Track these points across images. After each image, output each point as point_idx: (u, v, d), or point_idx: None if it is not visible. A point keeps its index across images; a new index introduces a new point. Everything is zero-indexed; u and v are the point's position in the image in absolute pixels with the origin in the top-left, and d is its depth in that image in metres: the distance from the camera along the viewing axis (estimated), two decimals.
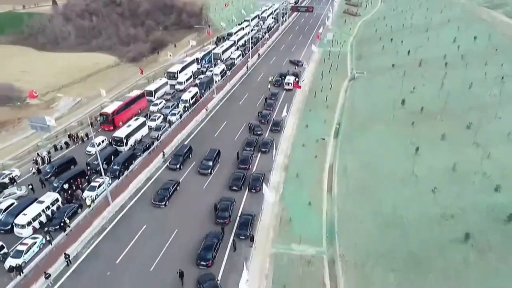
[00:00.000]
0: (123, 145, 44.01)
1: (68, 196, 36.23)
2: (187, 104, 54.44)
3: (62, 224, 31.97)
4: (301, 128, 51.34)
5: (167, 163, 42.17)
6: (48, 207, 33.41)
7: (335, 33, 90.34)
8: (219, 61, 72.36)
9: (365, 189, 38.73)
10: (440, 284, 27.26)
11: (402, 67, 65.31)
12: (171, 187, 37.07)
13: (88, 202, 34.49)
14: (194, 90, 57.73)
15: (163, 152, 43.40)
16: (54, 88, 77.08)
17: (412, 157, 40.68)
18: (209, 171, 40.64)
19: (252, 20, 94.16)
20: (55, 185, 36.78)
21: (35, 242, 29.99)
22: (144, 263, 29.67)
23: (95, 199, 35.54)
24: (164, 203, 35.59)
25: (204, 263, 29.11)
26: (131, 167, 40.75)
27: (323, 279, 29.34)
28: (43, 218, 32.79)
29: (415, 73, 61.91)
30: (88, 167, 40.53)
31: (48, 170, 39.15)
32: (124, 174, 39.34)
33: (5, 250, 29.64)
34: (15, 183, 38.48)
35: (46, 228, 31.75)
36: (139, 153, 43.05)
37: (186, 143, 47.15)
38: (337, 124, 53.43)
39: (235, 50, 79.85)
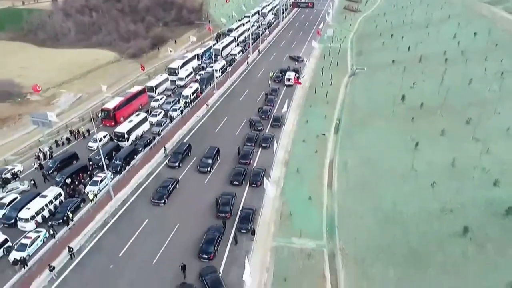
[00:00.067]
0: (125, 141, 44.28)
1: (71, 190, 36.57)
2: (188, 100, 54.64)
3: (65, 218, 32.33)
4: (301, 124, 51.59)
5: (166, 161, 42.12)
6: (51, 202, 33.75)
7: (335, 29, 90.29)
8: (219, 57, 72.41)
9: (365, 184, 39.05)
10: (439, 278, 27.62)
11: (402, 63, 65.46)
12: (170, 185, 36.92)
13: (90, 196, 34.83)
14: (195, 86, 57.91)
15: (164, 147, 43.67)
16: (54, 84, 77.00)
17: (412, 152, 40.95)
18: (209, 169, 40.54)
19: (252, 16, 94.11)
20: (57, 179, 37.10)
21: (39, 236, 30.35)
22: (147, 257, 30.04)
23: (98, 193, 35.86)
24: (163, 201, 35.51)
25: (206, 256, 29.48)
26: (132, 162, 41.04)
27: (323, 272, 29.72)
28: (45, 213, 33.10)
29: (415, 69, 62.07)
30: (90, 162, 40.81)
31: (51, 165, 39.44)
32: (126, 169, 39.63)
33: (9, 243, 29.97)
34: (17, 178, 38.77)
35: (50, 222, 32.08)
36: (140, 149, 43.32)
37: (187, 138, 47.47)
38: (337, 119, 53.66)
39: (235, 46, 79.89)
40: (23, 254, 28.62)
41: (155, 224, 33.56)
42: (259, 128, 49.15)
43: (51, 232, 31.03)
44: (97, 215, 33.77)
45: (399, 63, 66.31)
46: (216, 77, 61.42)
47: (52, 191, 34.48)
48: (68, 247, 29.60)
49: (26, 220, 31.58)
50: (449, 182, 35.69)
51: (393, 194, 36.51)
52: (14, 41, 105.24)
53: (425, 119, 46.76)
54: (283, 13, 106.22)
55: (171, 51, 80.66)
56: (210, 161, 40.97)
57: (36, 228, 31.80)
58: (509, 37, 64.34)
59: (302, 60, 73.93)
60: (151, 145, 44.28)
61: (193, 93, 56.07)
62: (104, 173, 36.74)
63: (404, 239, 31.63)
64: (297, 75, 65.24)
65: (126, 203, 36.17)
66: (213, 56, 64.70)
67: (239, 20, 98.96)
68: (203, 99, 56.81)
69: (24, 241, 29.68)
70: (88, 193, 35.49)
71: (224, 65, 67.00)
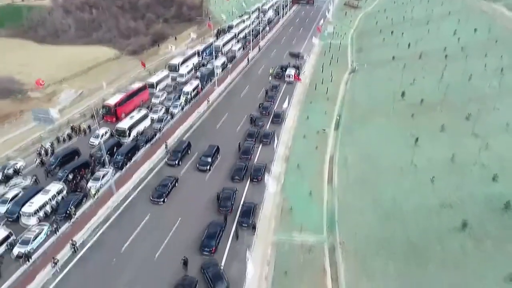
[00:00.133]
0: (126, 137, 44.56)
1: (73, 186, 36.85)
2: (189, 96, 54.82)
3: (68, 213, 32.63)
4: (302, 120, 51.81)
5: (166, 159, 42.17)
6: (53, 197, 34.06)
7: (335, 26, 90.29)
8: (220, 53, 72.49)
9: (365, 180, 39.32)
10: (438, 272, 27.93)
11: (403, 60, 65.59)
12: (169, 184, 36.88)
13: (93, 192, 35.12)
14: (196, 82, 58.07)
15: (165, 143, 43.92)
16: (55, 81, 77.09)
17: (412, 148, 41.20)
18: (208, 167, 40.49)
19: (252, 12, 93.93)
20: (60, 175, 37.38)
21: (42, 230, 30.64)
22: (149, 251, 30.38)
23: (100, 189, 36.14)
24: (162, 199, 35.52)
25: (208, 250, 29.82)
26: (134, 158, 41.29)
27: (323, 266, 30.06)
28: (48, 208, 33.39)
29: (415, 65, 62.18)
30: (92, 158, 41.05)
31: (53, 161, 39.71)
32: (128, 165, 39.88)
33: (13, 238, 30.29)
34: (19, 174, 38.99)
35: (53, 217, 32.37)
36: (141, 144, 43.56)
37: (188, 134, 47.74)
38: (337, 116, 53.86)
39: (235, 43, 79.93)
40: (27, 248, 28.97)
41: (157, 219, 33.87)
42: (260, 124, 49.38)
43: (54, 226, 31.33)
44: (99, 210, 34.10)
45: (399, 59, 66.43)
46: (217, 74, 61.56)
47: (55, 187, 34.78)
48: (71, 241, 29.91)
49: (29, 215, 31.89)
50: (448, 177, 35.97)
51: (393, 190, 36.79)
52: (14, 38, 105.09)
53: (425, 115, 46.97)
54: (283, 9, 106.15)
55: (171, 48, 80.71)
56: (209, 159, 40.87)
57: (38, 223, 32.07)
58: (509, 33, 64.40)
59: (303, 57, 74.02)
60: (152, 141, 44.50)
61: (193, 90, 56.24)
62: (106, 168, 36.96)
63: (404, 234, 31.92)
64: (297, 71, 65.37)
65: (128, 198, 36.48)
66: (213, 53, 64.83)
67: (240, 17, 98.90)
68: (204, 95, 57.00)
69: (27, 235, 30.03)
70: (90, 188, 35.77)
71: (224, 62, 67.12)
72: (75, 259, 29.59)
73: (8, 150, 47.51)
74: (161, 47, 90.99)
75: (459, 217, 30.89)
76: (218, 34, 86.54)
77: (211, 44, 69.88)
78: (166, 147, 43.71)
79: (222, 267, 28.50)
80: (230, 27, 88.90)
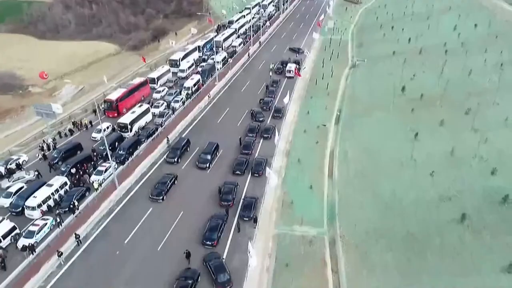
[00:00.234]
0: (128, 131, 44.85)
1: (75, 180, 37.19)
2: (190, 91, 55.01)
3: (71, 206, 33.00)
4: (302, 115, 52.07)
5: (165, 156, 41.84)
6: (57, 190, 34.40)
7: (336, 21, 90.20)
8: (220, 49, 72.56)
9: (365, 174, 39.71)
10: (437, 263, 28.43)
11: (403, 55, 65.76)
12: (168, 181, 36.57)
13: (95, 185, 35.47)
14: (196, 77, 58.23)
15: (167, 137, 44.22)
16: (56, 76, 77.22)
17: (412, 142, 41.59)
18: (208, 165, 40.15)
19: (253, 7, 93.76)
20: (62, 169, 37.70)
21: (46, 223, 31.04)
22: (152, 243, 30.78)
23: (102, 182, 36.49)
24: (162, 197, 35.30)
25: (210, 243, 30.23)
26: (136, 153, 41.60)
27: (324, 258, 30.52)
28: (51, 202, 33.74)
29: (415, 60, 62.39)
30: (94, 153, 41.35)
31: (55, 155, 40.02)
32: (130, 159, 40.21)
33: (17, 231, 30.68)
34: (21, 168, 39.29)
35: (57, 211, 32.75)
36: (143, 139, 43.84)
37: (189, 129, 48.05)
38: (338, 111, 54.12)
39: (236, 38, 79.94)
40: (31, 241, 29.34)
41: (159, 212, 34.23)
42: (261, 119, 49.63)
43: (58, 220, 31.73)
44: (102, 203, 34.44)
45: (400, 54, 66.58)
46: (218, 69, 61.71)
47: (58, 180, 35.12)
48: (75, 234, 30.32)
49: (33, 208, 32.26)
50: (448, 171, 36.39)
51: (392, 183, 37.20)
52: (14, 33, 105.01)
53: (425, 110, 47.29)
54: (283, 4, 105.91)
55: (172, 43, 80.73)
56: (209, 156, 40.50)
57: (41, 216, 32.48)
58: (509, 28, 64.54)
59: (303, 52, 74.09)
60: (154, 135, 44.79)
61: (194, 85, 56.42)
62: (109, 162, 37.31)
63: (403, 226, 32.37)
64: (297, 66, 65.49)
65: (130, 192, 36.83)
66: (214, 48, 64.89)
67: (240, 12, 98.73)
68: (205, 90, 57.17)
69: (31, 228, 30.41)
70: (93, 182, 36.12)
71: (225, 57, 67.21)
72: (79, 251, 30.02)
73: (10, 145, 47.89)
74: (162, 42, 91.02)
75: (458, 210, 31.34)
76: (219, 30, 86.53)
77: (212, 39, 69.94)
78: (167, 142, 44.01)
79: (224, 259, 28.91)
80: (231, 22, 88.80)
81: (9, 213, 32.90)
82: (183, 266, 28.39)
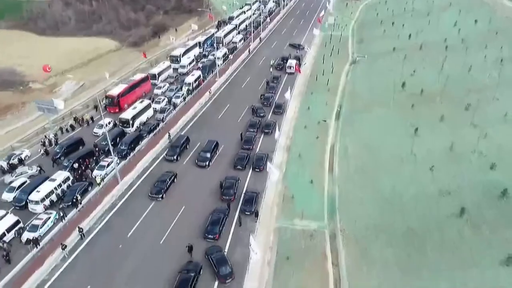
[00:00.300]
0: (129, 127, 45.09)
1: (78, 175, 37.48)
2: (190, 87, 55.19)
3: (74, 200, 33.30)
4: (303, 111, 52.26)
5: (164, 154, 41.67)
6: (59, 185, 34.70)
7: (336, 17, 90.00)
8: (220, 45, 72.60)
9: (365, 169, 39.97)
10: (436, 256, 28.75)
11: (403, 51, 65.80)
12: (168, 179, 36.52)
13: (98, 180, 35.76)
14: (197, 73, 58.37)
15: (168, 133, 44.46)
16: (56, 72, 77.27)
17: (412, 138, 41.82)
18: (207, 163, 40.06)
19: (253, 3, 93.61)
20: (65, 164, 37.98)
21: (50, 217, 31.36)
22: (154, 237, 31.15)
23: (105, 177, 36.77)
24: (161, 195, 35.28)
25: (212, 236, 30.57)
26: (137, 148, 41.84)
27: (324, 251, 30.86)
28: (53, 197, 34.05)
29: (415, 56, 62.47)
30: (96, 148, 41.59)
31: (58, 150, 40.29)
32: (132, 154, 40.46)
33: (21, 225, 31.01)
34: (23, 163, 39.52)
35: (60, 205, 33.05)
36: (145, 134, 44.08)
37: (190, 125, 48.27)
38: (338, 106, 54.28)
39: (236, 34, 79.94)
40: (35, 235, 29.70)
41: (162, 207, 34.53)
42: (261, 114, 49.84)
43: (61, 214, 32.02)
44: (104, 198, 34.75)
45: (400, 50, 66.64)
46: (218, 65, 61.82)
47: (61, 175, 35.42)
48: (78, 227, 30.64)
49: (37, 203, 32.60)
50: (447, 166, 36.66)
51: (392, 178, 37.48)
52: (14, 30, 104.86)
53: (425, 106, 47.48)
54: (284, 0, 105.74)
55: (173, 39, 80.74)
56: (208, 154, 40.38)
57: (44, 210, 32.76)
58: (509, 24, 64.58)
59: (303, 48, 74.13)
60: (155, 131, 45.01)
61: (195, 81, 56.58)
62: (111, 157, 37.57)
63: (403, 221, 32.68)
64: (298, 62, 65.53)
65: (132, 187, 37.12)
66: (215, 44, 64.87)
67: (240, 8, 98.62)
68: (206, 86, 57.33)
69: (35, 222, 30.76)
70: (95, 177, 36.41)
71: (225, 53, 67.30)
72: (83, 245, 30.37)
73: (12, 141, 48.10)
74: (162, 38, 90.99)
75: (458, 204, 31.63)
76: (219, 26, 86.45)
77: (213, 35, 69.97)
78: (169, 137, 44.24)
79: (226, 252, 29.26)
80: (231, 18, 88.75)
81: (13, 207, 33.27)
82: (185, 259, 28.77)
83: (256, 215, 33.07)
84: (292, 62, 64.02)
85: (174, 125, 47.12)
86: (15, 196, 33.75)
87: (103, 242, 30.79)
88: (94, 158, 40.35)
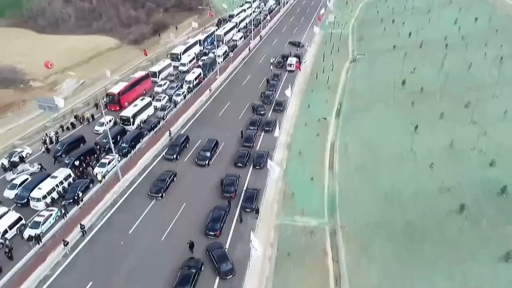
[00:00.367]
0: (130, 124, 45.21)
1: (79, 172, 37.62)
2: (191, 85, 55.27)
3: (75, 198, 33.45)
4: (303, 108, 52.40)
5: (164, 153, 41.57)
6: (61, 182, 34.85)
7: (336, 15, 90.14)
8: (221, 43, 72.63)
9: (365, 166, 40.14)
10: (435, 252, 28.98)
11: (403, 49, 65.91)
12: (167, 178, 36.42)
13: (99, 177, 35.88)
14: (198, 71, 58.47)
15: (169, 131, 44.60)
16: (56, 70, 77.29)
17: (411, 135, 42.02)
18: (207, 162, 39.92)
19: (253, 1, 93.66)
20: (66, 161, 38.11)
21: (51, 214, 31.52)
22: (155, 234, 31.30)
23: (106, 175, 36.92)
24: (161, 194, 35.14)
25: (213, 233, 30.76)
26: (138, 145, 41.96)
27: (325, 247, 31.05)
28: (55, 194, 34.20)
29: (415, 54, 62.59)
30: (97, 146, 41.71)
31: (59, 148, 40.42)
32: (132, 152, 40.60)
33: (22, 221, 31.18)
34: (24, 161, 39.66)
35: (62, 203, 33.21)
36: (145, 132, 44.21)
37: (191, 122, 48.37)
38: (338, 104, 54.42)
39: (237, 32, 79.97)
40: (37, 231, 29.86)
41: (163, 204, 34.69)
42: (262, 112, 49.95)
43: (63, 211, 32.18)
44: (106, 195, 34.90)
45: (400, 48, 66.75)
46: (219, 63, 61.90)
47: (62, 172, 35.57)
48: (80, 224, 30.81)
49: (38, 200, 32.76)
50: (447, 163, 36.87)
51: (392, 175, 37.66)
52: (14, 28, 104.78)
53: (424, 103, 47.65)
54: None
55: (173, 37, 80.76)
56: (208, 153, 40.22)
57: (46, 208, 32.91)
58: (509, 22, 64.70)
59: (303, 46, 74.20)
60: (156, 129, 45.14)
61: (195, 79, 56.66)
62: (112, 155, 37.70)
63: (403, 217, 32.88)
64: (298, 60, 65.58)
65: (133, 184, 37.28)
66: (215, 42, 64.90)
67: (241, 6, 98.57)
68: (206, 84, 57.43)
69: (37, 219, 30.92)
70: (96, 174, 36.55)
71: (226, 51, 67.37)
72: (84, 241, 30.55)
73: (13, 138, 48.31)
74: (162, 36, 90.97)
75: (457, 201, 31.85)
76: (219, 24, 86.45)
77: (213, 33, 70.01)
78: (169, 135, 44.38)
79: (226, 249, 29.45)
80: (231, 16, 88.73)
81: (15, 205, 33.42)
82: (186, 256, 28.93)
83: (257, 212, 33.23)
84: (292, 60, 64.10)
85: (175, 123, 47.24)
86: (17, 193, 33.90)
87: (104, 238, 30.97)
88: (95, 155, 40.49)
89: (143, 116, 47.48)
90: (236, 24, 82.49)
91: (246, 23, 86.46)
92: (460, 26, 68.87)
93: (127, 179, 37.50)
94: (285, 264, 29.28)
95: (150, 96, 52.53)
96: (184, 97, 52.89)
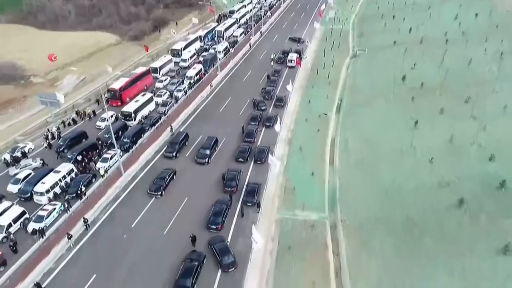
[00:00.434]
0: (132, 120, 45.46)
1: (81, 167, 37.91)
2: (192, 81, 55.43)
3: (78, 192, 33.76)
4: (304, 104, 52.58)
5: (163, 151, 41.57)
6: (64, 177, 35.18)
7: (337, 11, 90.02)
8: (221, 38, 72.64)
9: (365, 161, 40.41)
10: (435, 245, 29.29)
11: (404, 44, 65.89)
12: (167, 176, 36.32)
13: (101, 172, 36.18)
14: (198, 67, 58.62)
15: (171, 126, 44.86)
16: (57, 66, 77.34)
17: (411, 131, 42.19)
18: (207, 160, 39.86)
19: None
20: (69, 156, 38.39)
21: (55, 208, 31.85)
22: (158, 228, 31.67)
23: (108, 169, 37.20)
24: (160, 192, 35.11)
25: (214, 227, 31.11)
26: (140, 141, 42.21)
27: (325, 241, 31.39)
28: (58, 189, 34.48)
29: (416, 50, 62.60)
30: (99, 141, 41.95)
31: (61, 143, 40.69)
32: (134, 147, 40.86)
33: (26, 215, 31.50)
34: (26, 156, 39.89)
35: (66, 197, 33.53)
36: (147, 127, 44.45)
37: (192, 118, 48.58)
38: (339, 100, 54.59)
39: (237, 28, 79.95)
40: (41, 225, 30.20)
41: (164, 199, 35.00)
42: (263, 108, 50.17)
43: (66, 205, 32.49)
44: (108, 190, 35.26)
45: (400, 44, 66.74)
46: (219, 59, 61.99)
47: (65, 167, 35.88)
48: (83, 218, 31.13)
49: (42, 194, 33.08)
50: (447, 158, 37.08)
51: (392, 170, 37.91)
52: (13, 24, 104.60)
53: (425, 99, 47.77)
54: None
55: (173, 33, 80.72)
56: (208, 151, 40.16)
57: (49, 202, 33.21)
58: (510, 18, 64.61)
59: (303, 42, 74.24)
60: (157, 124, 45.37)
61: (196, 74, 56.84)
62: (114, 150, 37.96)
63: (403, 212, 33.18)
64: (299, 56, 65.63)
65: (135, 179, 37.57)
66: (216, 38, 64.91)
67: (241, 2, 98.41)
68: (207, 80, 57.58)
69: (41, 213, 31.26)
70: (99, 169, 36.84)
71: (226, 47, 67.44)
72: (88, 235, 30.90)
73: (14, 134, 48.47)
74: (163, 32, 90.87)
75: (456, 195, 32.11)
76: (220, 19, 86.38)
77: (213, 29, 70.00)
78: (171, 130, 44.62)
79: (228, 242, 29.79)
80: (232, 12, 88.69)
81: (18, 199, 33.76)
82: (189, 249, 29.30)
83: (258, 206, 33.57)
84: (293, 55, 64.18)
85: (176, 118, 47.48)
86: (20, 188, 34.24)
87: (107, 232, 31.32)
88: (97, 151, 40.76)
89: (145, 111, 47.72)
90: (237, 20, 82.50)
91: (247, 19, 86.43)
92: (460, 21, 68.80)
93: (129, 174, 37.82)
94: (286, 257, 29.63)
95: (151, 92, 52.76)
96: (185, 92, 53.07)
